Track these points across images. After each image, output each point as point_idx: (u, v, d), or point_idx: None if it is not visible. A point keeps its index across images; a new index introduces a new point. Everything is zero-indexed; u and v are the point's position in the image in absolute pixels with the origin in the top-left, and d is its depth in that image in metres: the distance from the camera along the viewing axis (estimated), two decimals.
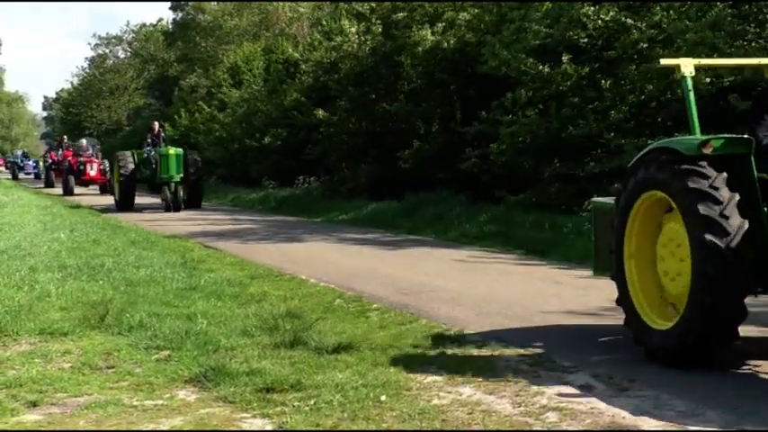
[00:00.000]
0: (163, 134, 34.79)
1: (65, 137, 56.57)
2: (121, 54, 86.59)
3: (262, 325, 9.72)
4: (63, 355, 8.62)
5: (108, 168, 42.96)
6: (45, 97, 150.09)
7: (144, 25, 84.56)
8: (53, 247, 16.99)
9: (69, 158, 46.29)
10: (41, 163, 70.62)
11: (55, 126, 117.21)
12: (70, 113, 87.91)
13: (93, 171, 45.23)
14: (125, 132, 74.05)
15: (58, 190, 45.78)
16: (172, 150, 31.17)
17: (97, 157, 46.46)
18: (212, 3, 64.59)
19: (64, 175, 45.06)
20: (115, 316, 10.03)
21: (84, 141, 49.21)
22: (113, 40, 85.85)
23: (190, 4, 66.22)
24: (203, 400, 7.22)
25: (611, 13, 20.31)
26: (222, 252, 17.71)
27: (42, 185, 52.91)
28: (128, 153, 33.36)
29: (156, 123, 35.67)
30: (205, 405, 7.07)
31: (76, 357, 8.53)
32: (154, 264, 14.77)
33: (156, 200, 32.52)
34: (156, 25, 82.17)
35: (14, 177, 72.07)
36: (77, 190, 43.83)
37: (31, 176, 73.28)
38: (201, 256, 16.93)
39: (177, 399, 7.26)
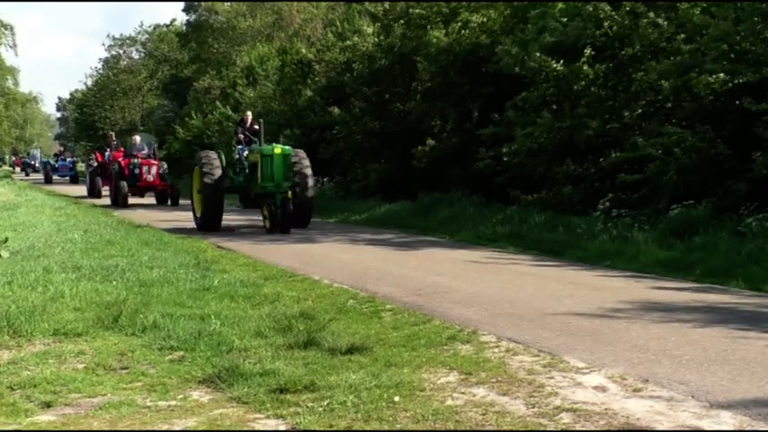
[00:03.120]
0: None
1: (112, 134, 46.64)
2: (135, 55, 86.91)
3: (275, 326, 9.72)
4: (77, 356, 8.64)
5: (167, 171, 36.71)
6: (59, 98, 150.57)
7: (158, 26, 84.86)
8: (67, 247, 17.03)
9: (120, 160, 36.74)
10: (79, 163, 63.74)
11: (69, 127, 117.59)
12: (84, 114, 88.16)
13: (150, 175, 35.51)
14: (139, 132, 74.17)
15: (106, 200, 36.72)
16: (278, 149, 22.32)
17: (155, 158, 36.99)
18: (225, 4, 64.74)
19: (114, 180, 35.30)
20: (129, 317, 10.04)
21: (137, 138, 38.77)
22: (127, 41, 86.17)
23: (203, 5, 66.37)
24: (217, 400, 7.23)
25: (628, 9, 20.32)
26: (235, 253, 17.71)
27: (85, 194, 42.35)
28: (212, 153, 23.99)
29: (249, 113, 26.63)
30: (218, 406, 7.08)
31: (90, 358, 8.55)
32: (167, 264, 14.79)
33: (247, 216, 26.06)
34: (169, 26, 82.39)
35: (47, 180, 62.31)
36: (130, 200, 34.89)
37: (67, 180, 63.17)
38: (215, 256, 16.94)
39: (191, 399, 7.27)
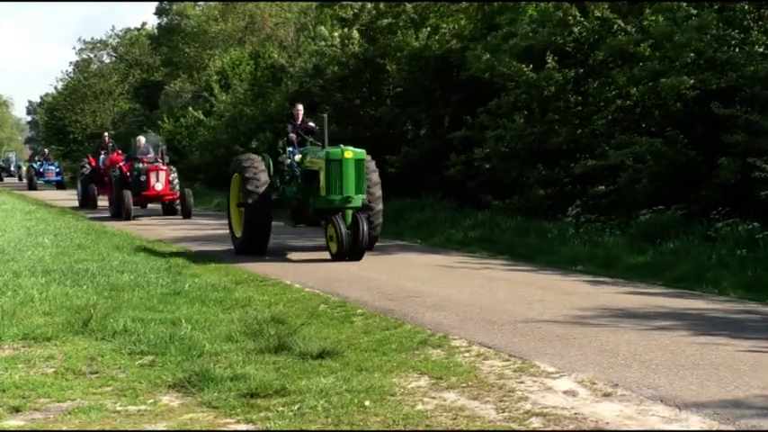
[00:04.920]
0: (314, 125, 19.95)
1: (107, 135, 41.02)
2: (106, 59, 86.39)
3: (246, 330, 9.72)
4: (46, 361, 8.60)
5: (177, 178, 31.22)
6: (29, 102, 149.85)
7: (129, 30, 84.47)
8: (37, 251, 16.95)
9: (121, 165, 31.54)
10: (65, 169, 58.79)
11: (39, 131, 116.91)
12: (54, 118, 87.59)
13: (159, 183, 29.89)
14: (111, 136, 73.53)
15: (102, 213, 31.91)
16: (349, 152, 17.38)
17: (164, 162, 30.82)
18: (197, 8, 64.56)
19: (115, 189, 30.21)
20: (99, 321, 10.01)
21: (142, 139, 32.72)
22: (98, 45, 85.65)
23: (174, 8, 66.16)
24: (187, 405, 7.21)
25: (598, 14, 20.38)
26: (207, 257, 17.67)
27: (76, 203, 36.88)
28: (256, 157, 19.11)
29: (300, 106, 20.52)
30: (189, 410, 7.06)
31: (60, 362, 8.52)
32: (138, 268, 14.76)
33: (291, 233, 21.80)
34: (140, 30, 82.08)
35: (31, 186, 56.47)
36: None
37: (49, 185, 57.92)
38: (186, 261, 16.89)
39: (161, 404, 7.25)
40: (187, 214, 29.19)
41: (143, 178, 29.76)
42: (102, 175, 35.31)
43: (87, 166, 37.42)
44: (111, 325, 9.87)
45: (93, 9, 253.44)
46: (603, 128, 20.21)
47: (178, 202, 30.22)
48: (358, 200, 17.23)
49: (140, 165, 30.17)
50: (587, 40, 20.85)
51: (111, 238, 20.60)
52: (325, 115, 18.83)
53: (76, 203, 36.48)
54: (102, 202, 33.75)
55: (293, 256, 18.14)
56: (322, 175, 17.33)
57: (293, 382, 7.59)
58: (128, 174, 30.41)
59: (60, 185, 57.08)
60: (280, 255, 18.26)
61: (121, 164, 31.63)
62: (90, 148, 60.96)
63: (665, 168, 17.90)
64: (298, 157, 18.81)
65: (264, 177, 18.27)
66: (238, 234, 19.01)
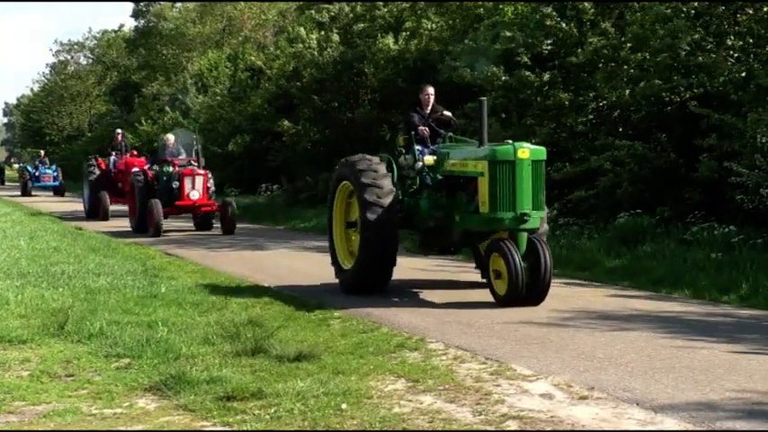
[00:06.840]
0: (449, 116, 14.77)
1: (119, 132, 35.31)
2: (83, 60, 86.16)
3: (223, 333, 9.71)
4: (21, 363, 8.57)
5: (213, 184, 25.65)
6: (6, 104, 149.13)
7: (106, 31, 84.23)
8: (12, 254, 16.89)
9: (145, 168, 26.34)
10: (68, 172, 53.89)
11: (15, 133, 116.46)
12: (31, 120, 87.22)
13: (196, 192, 24.27)
14: (88, 138, 73.27)
15: (118, 223, 26.92)
16: (524, 151, 12.13)
17: (200, 165, 25.07)
18: (174, 10, 64.42)
19: (138, 197, 24.72)
20: (75, 324, 9.99)
21: (171, 138, 27.02)
22: (75, 47, 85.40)
23: (151, 9, 66.02)
24: (163, 408, 7.20)
25: (576, 11, 20.45)
26: (184, 260, 17.63)
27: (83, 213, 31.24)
28: (375, 160, 13.62)
29: (430, 89, 14.82)
30: (165, 413, 7.05)
31: (35, 365, 8.49)
32: (114, 271, 14.73)
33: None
34: (117, 32, 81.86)
35: (24, 192, 50.78)
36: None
37: (42, 192, 51.48)
38: (162, 263, 16.85)
39: (137, 407, 7.24)
40: (230, 229, 24.08)
41: (175, 185, 24.33)
42: (113, 179, 30.56)
43: (95, 168, 31.34)
44: (87, 328, 9.85)
45: (72, 11, 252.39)
46: (581, 131, 20.23)
47: (217, 214, 24.95)
48: (536, 218, 12.21)
49: (170, 169, 24.92)
50: (564, 42, 20.89)
51: (88, 240, 20.54)
52: (484, 99, 13.37)
53: (79, 213, 31.56)
54: (114, 208, 29.53)
55: (430, 295, 13.20)
56: (483, 183, 12.27)
57: (270, 384, 7.58)
58: (154, 179, 25.27)
59: (58, 191, 50.90)
60: (406, 294, 13.49)
61: (145, 167, 26.51)
62: (67, 150, 60.21)
63: (645, 171, 17.93)
64: (429, 159, 13.68)
65: (390, 187, 13.17)
66: (348, 265, 13.92)
